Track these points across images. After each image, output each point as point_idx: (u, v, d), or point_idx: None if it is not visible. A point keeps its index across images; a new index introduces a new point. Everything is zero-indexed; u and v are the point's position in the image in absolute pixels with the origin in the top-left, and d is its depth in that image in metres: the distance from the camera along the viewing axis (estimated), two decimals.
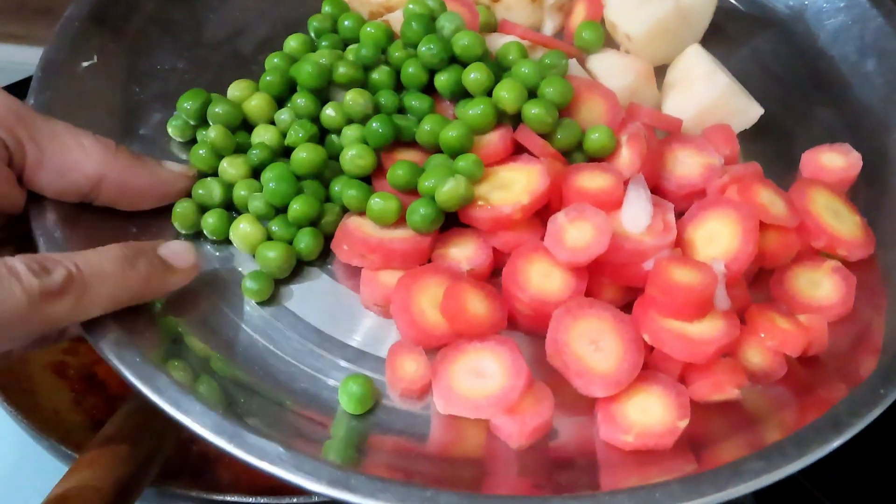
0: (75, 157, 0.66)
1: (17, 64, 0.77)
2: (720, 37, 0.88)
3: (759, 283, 0.72)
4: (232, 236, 0.70)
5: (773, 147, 0.81)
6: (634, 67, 0.79)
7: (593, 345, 0.63)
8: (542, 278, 0.66)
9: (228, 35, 0.85)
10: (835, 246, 0.71)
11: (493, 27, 0.84)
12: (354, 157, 0.71)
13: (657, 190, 0.74)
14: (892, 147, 0.79)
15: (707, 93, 0.78)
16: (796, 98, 0.85)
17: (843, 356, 0.68)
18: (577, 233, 0.66)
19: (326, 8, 0.85)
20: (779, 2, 0.92)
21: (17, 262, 0.55)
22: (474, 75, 0.73)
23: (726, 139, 0.76)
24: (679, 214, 0.72)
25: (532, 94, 0.74)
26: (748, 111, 0.78)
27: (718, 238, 0.68)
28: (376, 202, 0.69)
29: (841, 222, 0.72)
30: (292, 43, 0.81)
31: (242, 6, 0.88)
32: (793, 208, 0.70)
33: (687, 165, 0.75)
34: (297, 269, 0.71)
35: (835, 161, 0.77)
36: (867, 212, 0.75)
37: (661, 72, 0.84)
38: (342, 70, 0.74)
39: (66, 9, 0.80)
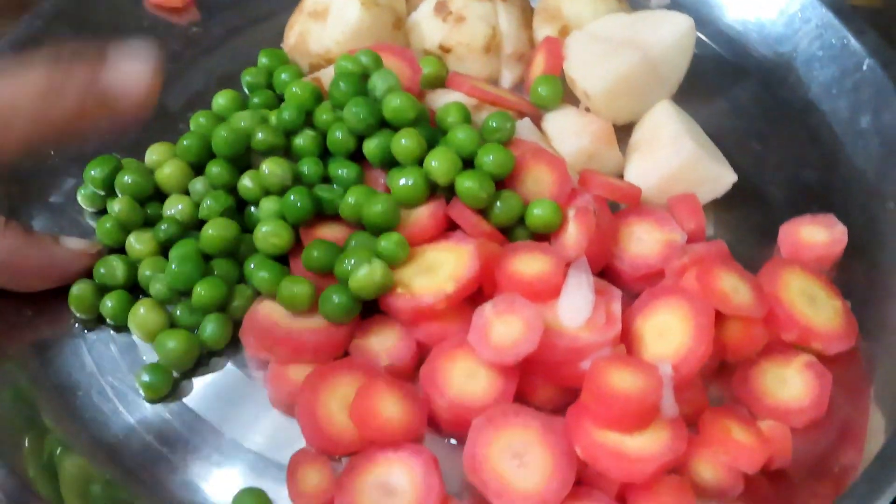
0: None
1: None
2: (698, 87, 0.79)
3: (722, 377, 0.63)
4: (130, 323, 0.64)
5: (749, 216, 0.73)
6: (592, 129, 0.72)
7: (517, 459, 0.56)
8: (465, 379, 0.59)
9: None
10: (809, 339, 0.62)
11: (442, 80, 0.77)
12: (268, 234, 0.64)
13: (609, 270, 0.67)
14: (886, 219, 0.70)
15: (672, 159, 0.69)
16: (779, 159, 0.76)
17: (818, 468, 0.60)
18: (504, 328, 0.58)
19: (263, 60, 0.78)
20: (766, 47, 0.83)
21: None
22: (404, 142, 0.66)
23: (691, 211, 0.68)
24: (634, 296, 0.64)
25: (469, 162, 0.66)
26: (719, 178, 0.70)
27: (669, 333, 0.60)
28: (286, 287, 0.62)
29: (817, 310, 0.63)
30: (220, 100, 0.75)
31: (176, 56, 0.82)
32: (760, 296, 0.62)
33: (644, 243, 0.67)
34: (203, 359, 0.64)
35: (816, 235, 0.68)
36: (851, 293, 0.66)
37: (628, 129, 0.76)
38: (260, 136, 0.67)
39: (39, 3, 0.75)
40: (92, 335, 0.66)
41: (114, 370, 0.64)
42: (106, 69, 0.55)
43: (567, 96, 0.76)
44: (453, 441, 0.61)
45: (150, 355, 0.65)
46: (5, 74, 0.52)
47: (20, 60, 0.53)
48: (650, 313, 0.62)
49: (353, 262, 0.61)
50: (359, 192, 0.65)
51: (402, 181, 0.65)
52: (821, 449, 0.61)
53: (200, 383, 0.64)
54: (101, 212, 0.71)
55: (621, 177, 0.73)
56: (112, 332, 0.66)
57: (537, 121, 0.75)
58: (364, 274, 0.60)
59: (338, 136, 0.68)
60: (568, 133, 0.72)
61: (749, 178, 0.72)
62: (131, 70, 0.55)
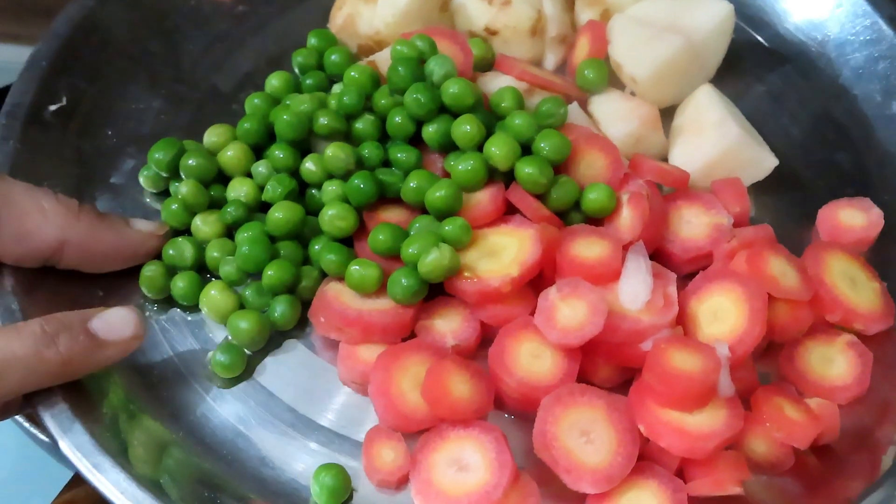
0: (34, 222, 0.61)
1: (17, 64, 0.72)
2: (735, 72, 0.82)
3: (768, 356, 0.66)
4: (201, 304, 0.66)
5: (787, 199, 0.75)
6: (640, 113, 0.74)
7: (584, 437, 0.59)
8: (531, 359, 0.62)
9: (207, 70, 0.80)
10: (851, 320, 0.66)
11: (489, 62, 0.79)
12: (334, 217, 0.66)
13: (660, 253, 0.69)
14: None
15: (717, 143, 0.72)
16: (815, 143, 0.79)
17: (859, 442, 0.63)
18: (569, 311, 0.61)
19: (312, 41, 0.80)
20: (800, 33, 0.85)
21: None
22: (464, 128, 0.68)
23: (736, 195, 0.71)
24: (683, 278, 0.67)
25: (527, 147, 0.68)
26: (762, 162, 0.72)
27: (724, 315, 0.63)
28: (355, 270, 0.64)
29: (858, 292, 0.66)
30: (274, 82, 0.76)
31: (223, 36, 0.83)
32: (806, 279, 0.65)
33: (693, 226, 0.69)
34: (273, 338, 0.66)
35: (854, 219, 0.71)
36: (887, 274, 0.69)
37: (669, 112, 0.78)
38: (323, 121, 0.69)
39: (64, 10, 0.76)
40: (163, 316, 0.67)
41: (186, 349, 0.66)
42: (97, 317, 0.58)
43: (611, 79, 0.77)
44: (511, 417, 0.64)
45: (219, 335, 0.67)
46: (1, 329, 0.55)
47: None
48: (704, 296, 0.65)
49: (419, 246, 0.63)
50: (421, 176, 0.67)
51: (463, 166, 0.67)
52: (862, 424, 0.64)
53: (272, 362, 0.66)
54: (163, 193, 0.72)
55: (665, 160, 0.75)
56: (182, 312, 0.68)
57: (583, 104, 0.77)
58: (434, 258, 0.62)
59: (397, 120, 0.69)
60: (616, 117, 0.74)
61: (786, 161, 0.75)
62: (123, 314, 0.59)
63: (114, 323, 0.58)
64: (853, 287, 0.67)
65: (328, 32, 0.80)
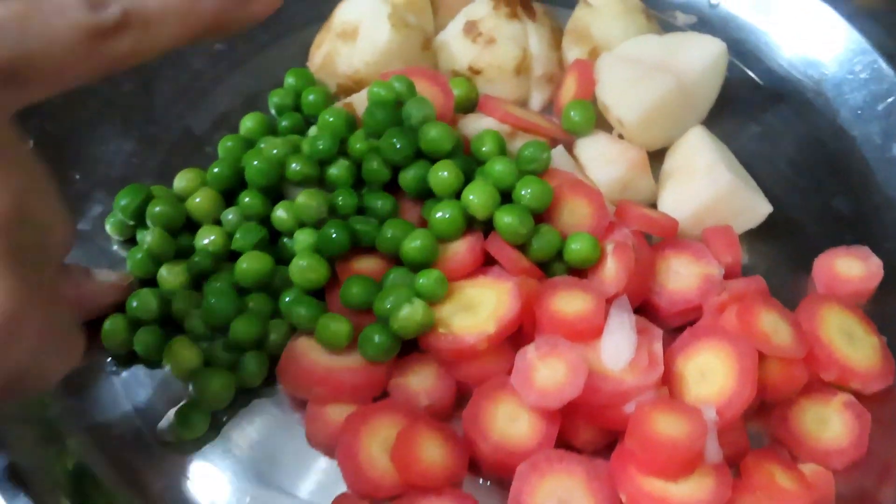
0: None
1: None
2: (728, 111, 0.79)
3: (760, 415, 0.63)
4: (165, 360, 0.63)
5: (782, 246, 0.72)
6: (628, 157, 0.71)
7: None
8: (508, 422, 0.59)
9: (182, 111, 0.78)
10: (847, 378, 0.62)
11: (472, 102, 0.76)
12: (305, 269, 0.64)
13: (646, 305, 0.66)
14: None
15: (708, 190, 0.69)
16: (811, 187, 0.75)
17: None
18: (548, 372, 0.58)
19: (290, 80, 0.77)
20: (796, 71, 0.82)
21: None
22: (441, 175, 0.65)
23: (728, 244, 0.68)
24: (671, 331, 0.64)
25: (507, 194, 0.65)
26: (755, 209, 0.69)
27: (712, 375, 0.60)
28: (325, 325, 0.61)
29: (855, 348, 0.63)
30: (248, 124, 0.74)
31: (198, 75, 0.80)
32: (800, 335, 0.62)
33: (682, 277, 0.66)
34: (240, 395, 0.63)
35: (852, 269, 0.68)
36: (887, 327, 0.66)
37: (659, 154, 0.75)
38: (295, 167, 0.66)
39: None
40: (124, 372, 0.64)
41: (149, 407, 0.63)
42: None
43: (598, 120, 0.75)
44: (488, 483, 0.61)
45: (184, 390, 0.64)
46: None
47: None
48: (692, 353, 0.61)
49: (392, 300, 0.60)
50: (396, 225, 0.65)
51: (440, 214, 0.64)
52: (861, 489, 0.61)
53: (238, 422, 0.63)
54: (131, 240, 0.70)
55: (654, 205, 0.72)
56: (146, 367, 0.65)
57: (569, 146, 0.74)
58: (406, 314, 0.60)
59: (373, 166, 0.67)
60: (602, 161, 0.71)
61: (782, 206, 0.72)
62: None
63: None
64: (850, 343, 0.63)
65: (306, 72, 0.78)
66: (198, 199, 0.68)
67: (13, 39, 0.46)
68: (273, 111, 0.77)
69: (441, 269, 0.63)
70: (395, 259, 0.65)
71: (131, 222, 0.68)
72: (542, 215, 0.66)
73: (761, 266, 0.71)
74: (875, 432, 0.61)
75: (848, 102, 0.79)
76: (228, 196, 0.69)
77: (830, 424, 0.62)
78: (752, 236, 0.71)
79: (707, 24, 0.87)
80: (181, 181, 0.70)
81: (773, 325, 0.61)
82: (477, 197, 0.64)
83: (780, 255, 0.72)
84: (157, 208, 0.66)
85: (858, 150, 0.77)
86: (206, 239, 0.66)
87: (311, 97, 0.75)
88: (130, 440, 0.62)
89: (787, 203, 0.74)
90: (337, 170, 0.67)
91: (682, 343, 0.62)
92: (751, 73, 0.83)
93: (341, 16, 0.79)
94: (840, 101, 0.79)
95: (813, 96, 0.81)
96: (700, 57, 0.75)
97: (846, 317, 0.65)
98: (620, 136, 0.74)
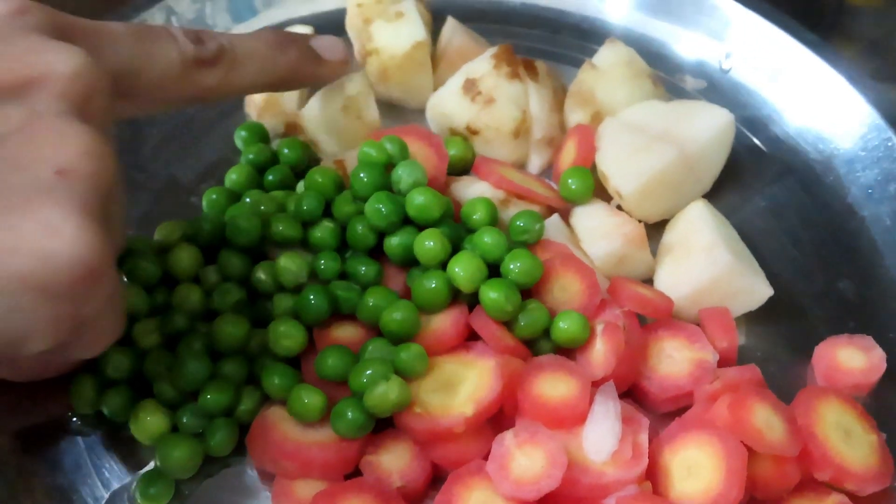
0: None
1: None
2: (734, 182, 0.76)
3: None
4: (131, 424, 0.60)
5: (782, 330, 0.69)
6: (625, 231, 0.68)
7: None
8: None
9: (169, 159, 0.76)
10: (842, 479, 0.59)
11: (468, 163, 0.74)
12: (281, 335, 0.61)
13: (635, 390, 0.64)
14: None
15: (706, 270, 0.66)
16: (816, 268, 0.72)
17: None
18: (525, 461, 0.56)
19: (242, 133, 0.75)
20: (806, 143, 0.79)
21: (177, 30, 0.58)
22: (427, 244, 0.63)
23: (724, 328, 0.65)
24: (661, 416, 0.61)
25: (495, 267, 0.63)
26: (755, 292, 0.67)
27: (699, 471, 0.57)
28: (298, 397, 0.59)
29: (852, 446, 0.60)
30: (234, 176, 0.72)
31: (188, 121, 0.78)
32: (794, 431, 0.59)
33: (674, 361, 0.64)
34: (207, 463, 0.61)
35: (853, 360, 0.65)
36: (886, 423, 0.63)
37: (660, 225, 0.72)
38: (278, 227, 0.64)
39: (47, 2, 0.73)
40: (91, 432, 0.62)
41: (112, 471, 0.61)
42: (315, 38, 0.67)
43: (598, 188, 0.72)
44: None
45: (150, 454, 0.61)
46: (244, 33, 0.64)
47: None
48: (679, 447, 0.59)
49: (368, 375, 0.58)
50: (378, 294, 0.62)
51: (424, 285, 0.62)
52: None
53: (202, 491, 0.61)
54: None
55: (651, 281, 0.70)
56: (112, 429, 0.62)
57: (566, 214, 0.71)
58: (381, 392, 0.57)
59: (358, 230, 0.65)
60: (598, 234, 0.69)
61: (783, 286, 0.69)
62: (334, 41, 0.67)
63: (329, 45, 0.67)
64: (847, 441, 0.60)
65: (255, 124, 0.76)
66: (177, 255, 0.65)
67: (128, 52, 0.54)
68: (252, 168, 0.74)
69: (422, 342, 0.61)
70: (376, 328, 0.63)
71: None
72: (531, 289, 0.64)
73: (759, 349, 0.68)
74: None
75: (859, 180, 0.76)
76: (210, 252, 0.67)
77: None
78: (751, 318, 0.68)
79: (717, 89, 0.84)
80: (161, 233, 0.68)
81: (766, 420, 0.58)
82: (463, 269, 0.62)
83: (779, 339, 0.69)
84: (134, 264, 0.64)
85: (867, 231, 0.74)
86: (184, 297, 0.64)
87: (286, 150, 0.73)
88: None
89: (790, 284, 0.71)
90: (321, 232, 0.65)
91: (669, 435, 0.59)
92: (759, 143, 0.80)
93: None
94: (851, 178, 0.77)
95: (822, 171, 0.78)
96: (706, 127, 0.72)
97: (844, 412, 0.62)
98: (619, 208, 0.71)
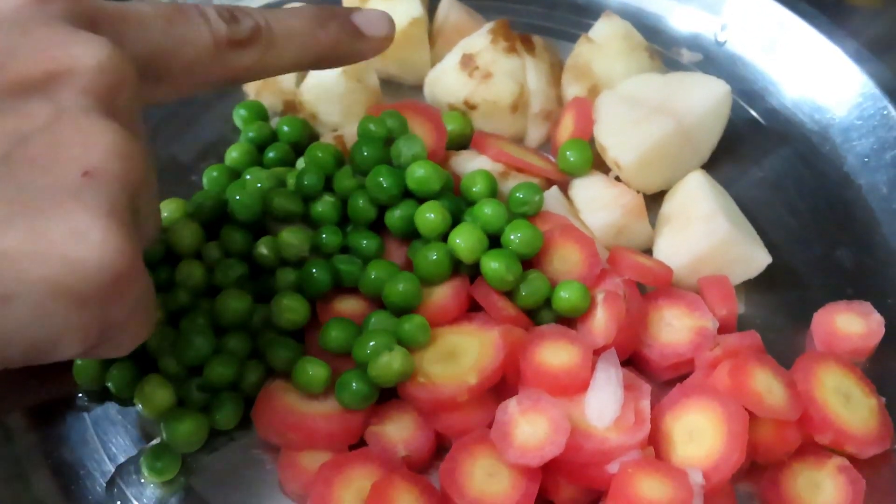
0: None
1: None
2: (731, 153, 0.77)
3: (751, 475, 0.60)
4: (137, 398, 0.61)
5: (781, 298, 0.69)
6: (623, 202, 0.69)
7: None
8: (486, 478, 0.56)
9: (168, 138, 0.76)
10: (842, 442, 0.60)
11: (466, 138, 0.74)
12: (284, 309, 0.62)
13: (636, 357, 0.64)
14: None
15: (705, 239, 0.66)
16: (813, 236, 0.73)
17: None
18: (529, 428, 0.56)
19: (241, 112, 0.75)
20: (803, 114, 0.80)
21: (209, 9, 0.54)
22: (428, 216, 0.63)
23: (724, 296, 0.66)
24: (662, 384, 0.62)
25: (496, 238, 0.63)
26: (754, 260, 0.67)
27: (700, 435, 0.57)
28: (301, 369, 0.59)
29: (852, 410, 0.61)
30: (234, 154, 0.72)
31: (187, 100, 0.78)
32: (794, 395, 0.59)
33: (674, 329, 0.64)
34: (213, 437, 0.61)
35: (852, 325, 0.66)
36: (886, 387, 0.63)
37: (659, 196, 0.73)
38: (278, 201, 0.64)
39: None
40: (97, 407, 0.63)
41: (118, 446, 0.61)
42: (357, 13, 0.62)
43: (596, 160, 0.72)
44: None
45: (156, 429, 0.62)
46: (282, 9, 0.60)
47: None
48: (680, 412, 0.59)
49: (372, 346, 0.58)
50: (380, 267, 0.63)
51: (426, 256, 0.62)
52: None
53: (208, 464, 0.61)
54: None
55: (650, 251, 0.70)
56: (118, 405, 0.63)
57: (564, 186, 0.72)
58: (384, 362, 0.58)
59: (359, 204, 0.65)
60: (597, 205, 0.69)
61: (782, 255, 0.69)
62: (379, 15, 0.63)
63: (372, 20, 0.62)
64: (847, 404, 0.61)
65: (254, 103, 0.76)
66: (179, 232, 0.65)
67: (157, 36, 0.51)
68: (252, 145, 0.74)
69: (424, 313, 0.61)
70: (378, 301, 0.63)
71: None
72: (531, 260, 0.64)
73: (758, 317, 0.68)
74: (870, 499, 0.59)
75: (855, 149, 0.77)
76: (211, 228, 0.67)
77: (823, 489, 0.59)
78: (750, 286, 0.69)
79: (713, 62, 0.85)
80: (164, 211, 0.68)
81: (766, 385, 0.59)
82: (464, 241, 0.62)
83: (778, 306, 0.69)
84: None
85: (864, 200, 0.75)
86: (187, 274, 0.64)
87: (285, 128, 0.73)
88: (97, 480, 0.60)
89: (788, 252, 0.71)
90: (322, 207, 0.66)
91: (670, 401, 0.60)
92: (755, 115, 0.81)
93: None
94: (847, 147, 0.77)
95: (819, 141, 0.78)
96: (703, 98, 0.73)
97: (843, 376, 0.63)
98: (618, 179, 0.72)
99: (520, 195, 0.66)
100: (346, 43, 0.61)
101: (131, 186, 0.43)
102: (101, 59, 0.45)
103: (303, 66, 0.60)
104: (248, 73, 0.57)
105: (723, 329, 0.65)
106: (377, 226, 0.66)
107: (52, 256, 0.40)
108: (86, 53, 0.45)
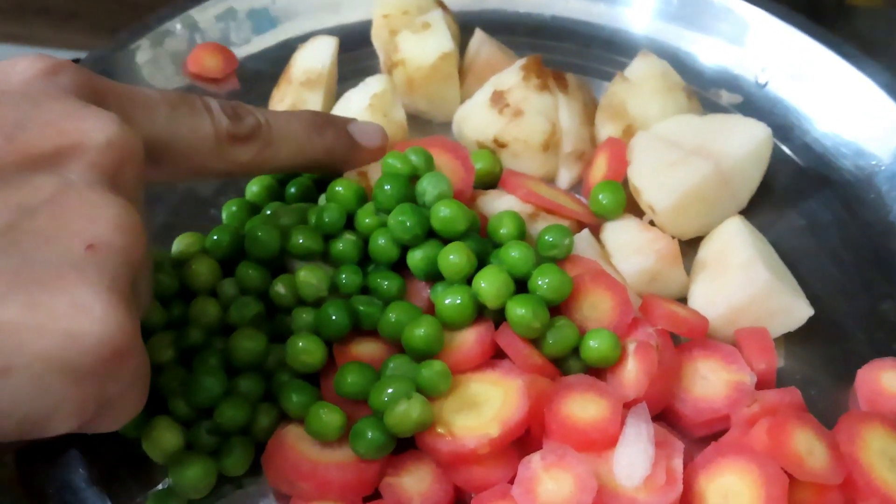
0: None
1: None
2: (771, 199, 0.74)
3: None
4: (144, 442, 0.58)
5: (823, 352, 0.66)
6: (658, 247, 0.66)
7: None
8: None
9: None
10: None
11: (495, 177, 0.72)
12: (300, 351, 0.59)
13: (669, 413, 0.61)
14: None
15: (743, 288, 0.63)
16: (857, 287, 0.70)
17: None
18: (553, 485, 0.53)
19: None
20: (845, 159, 0.77)
21: (213, 102, 0.57)
22: (452, 258, 0.60)
23: (762, 349, 0.62)
24: (695, 441, 0.59)
25: (523, 282, 0.61)
26: (794, 311, 0.64)
27: (736, 499, 0.54)
28: (315, 415, 0.57)
29: None
30: (254, 188, 0.70)
31: None
32: (837, 458, 0.56)
33: (709, 383, 0.61)
34: (221, 483, 0.59)
35: None
36: None
37: (694, 243, 0.70)
38: (298, 240, 0.62)
39: (65, 9, 0.73)
40: (102, 449, 0.60)
41: (123, 491, 0.59)
42: (353, 123, 0.65)
43: (629, 203, 0.70)
44: None
45: (163, 472, 0.59)
46: (282, 111, 0.63)
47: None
48: (715, 473, 0.56)
49: (389, 394, 0.56)
50: (401, 309, 0.60)
51: (448, 300, 0.60)
52: None
53: None
54: None
55: (684, 299, 0.67)
56: (123, 445, 0.60)
57: (596, 230, 0.69)
58: (402, 410, 0.55)
59: (381, 243, 0.62)
60: (630, 250, 0.66)
61: (824, 307, 0.66)
62: (373, 127, 0.66)
63: (367, 131, 0.65)
64: (892, 469, 0.57)
65: None
66: (195, 267, 0.63)
67: (162, 120, 0.53)
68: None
69: (446, 359, 0.59)
70: (398, 345, 0.60)
71: None
72: (559, 307, 0.61)
73: (798, 373, 0.65)
74: None
75: None
76: (228, 264, 0.65)
77: None
78: (790, 339, 0.66)
79: (753, 104, 0.82)
80: (180, 245, 0.66)
81: (807, 446, 0.56)
82: (489, 284, 0.59)
83: (819, 361, 0.66)
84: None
85: None
86: (201, 311, 0.62)
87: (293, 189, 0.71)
88: None
89: (830, 304, 0.68)
90: (342, 245, 0.63)
91: (704, 460, 0.56)
92: (796, 158, 0.78)
93: (301, 64, 0.78)
94: (892, 196, 0.74)
95: (863, 188, 0.75)
96: (742, 141, 0.70)
97: (889, 438, 0.59)
98: (652, 223, 0.69)
99: (549, 238, 0.63)
100: (341, 150, 0.64)
101: (133, 261, 0.44)
102: (110, 135, 0.46)
103: (297, 166, 0.63)
104: (243, 168, 0.59)
105: (761, 384, 0.61)
106: (399, 266, 0.64)
107: (53, 330, 0.40)
108: (95, 128, 0.45)
